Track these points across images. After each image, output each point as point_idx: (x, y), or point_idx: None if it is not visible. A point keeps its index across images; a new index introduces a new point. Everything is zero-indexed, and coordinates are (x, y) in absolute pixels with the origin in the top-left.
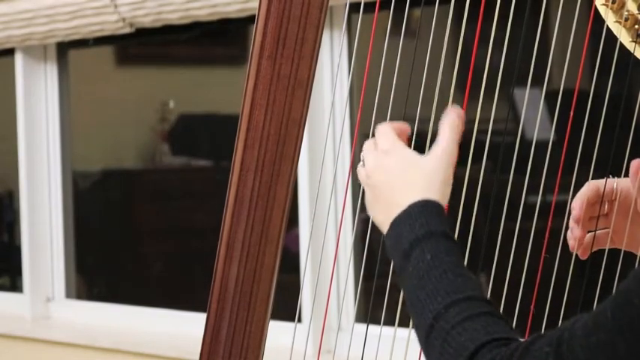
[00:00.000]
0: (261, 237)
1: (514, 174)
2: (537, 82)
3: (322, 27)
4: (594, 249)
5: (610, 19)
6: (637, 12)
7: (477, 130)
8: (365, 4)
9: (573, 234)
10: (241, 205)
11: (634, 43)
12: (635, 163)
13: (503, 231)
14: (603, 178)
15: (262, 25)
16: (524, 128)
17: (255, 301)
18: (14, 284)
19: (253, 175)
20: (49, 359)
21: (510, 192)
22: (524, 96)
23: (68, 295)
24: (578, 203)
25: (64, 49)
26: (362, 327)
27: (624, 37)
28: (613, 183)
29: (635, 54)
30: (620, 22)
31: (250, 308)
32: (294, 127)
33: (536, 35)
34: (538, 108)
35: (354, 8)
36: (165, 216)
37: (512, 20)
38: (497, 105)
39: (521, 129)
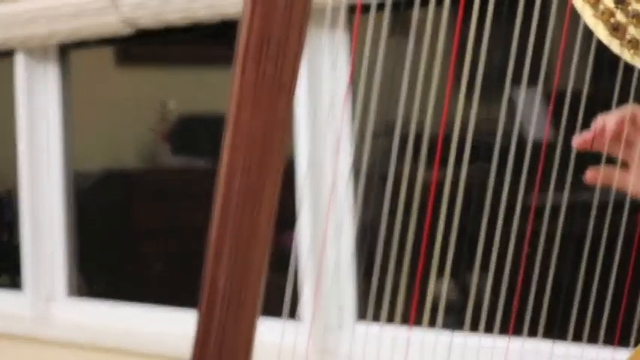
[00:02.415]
0: (249, 237)
1: (511, 174)
2: (529, 81)
3: (306, 27)
4: (610, 183)
5: (587, 14)
6: (612, 6)
7: (474, 131)
8: (365, 5)
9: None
10: (228, 207)
11: (611, 38)
12: None
13: (501, 232)
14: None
15: (246, 26)
16: (520, 128)
17: (245, 301)
18: (14, 283)
19: (240, 176)
20: (50, 359)
21: (507, 193)
22: (521, 95)
23: (69, 294)
24: (613, 119)
25: (65, 50)
26: (362, 325)
27: (601, 32)
28: None
29: (611, 48)
30: (596, 17)
31: (240, 308)
32: (280, 128)
33: (512, 36)
34: (533, 107)
35: (355, 9)
36: (166, 216)
37: (503, 21)
38: (493, 104)
39: (517, 128)
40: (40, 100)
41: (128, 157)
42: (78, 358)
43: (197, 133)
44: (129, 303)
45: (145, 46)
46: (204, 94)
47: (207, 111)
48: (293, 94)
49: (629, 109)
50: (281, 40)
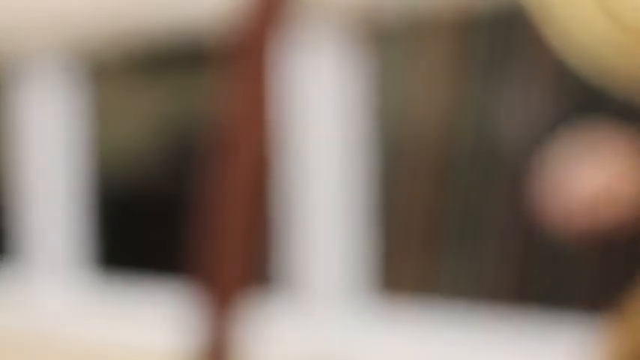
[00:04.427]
0: (242, 237)
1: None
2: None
3: (289, 42)
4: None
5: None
6: None
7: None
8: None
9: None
10: (221, 212)
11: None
12: None
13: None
14: None
15: (236, 41)
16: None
17: (237, 297)
18: (16, 283)
19: (232, 183)
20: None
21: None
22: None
23: (76, 297)
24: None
25: (86, 66)
26: (364, 318)
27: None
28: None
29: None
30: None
31: (232, 304)
32: (272, 135)
33: None
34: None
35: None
36: (186, 227)
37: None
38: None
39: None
40: (59, 115)
41: (152, 172)
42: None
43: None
44: (135, 308)
45: (167, 62)
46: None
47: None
48: (283, 104)
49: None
50: (273, 53)
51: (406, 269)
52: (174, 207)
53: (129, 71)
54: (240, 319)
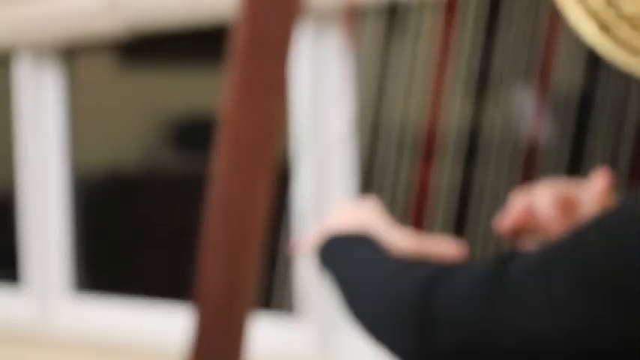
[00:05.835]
0: (242, 237)
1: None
2: (527, 80)
3: (297, 30)
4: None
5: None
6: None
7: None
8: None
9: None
10: (221, 208)
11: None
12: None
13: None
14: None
15: (239, 30)
16: (516, 127)
17: (238, 301)
18: (16, 283)
19: (231, 176)
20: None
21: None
22: (517, 95)
23: (72, 295)
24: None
25: (67, 54)
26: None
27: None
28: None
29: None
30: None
31: (234, 302)
32: (271, 130)
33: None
34: (530, 106)
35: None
36: (169, 217)
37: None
38: (487, 104)
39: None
40: (41, 105)
41: (132, 161)
42: (81, 359)
43: (199, 137)
44: (133, 303)
45: (148, 51)
46: (208, 98)
47: (209, 115)
48: (284, 94)
49: (556, 191)
50: (271, 42)
51: None
52: (171, 207)
53: (115, 61)
54: (239, 332)
